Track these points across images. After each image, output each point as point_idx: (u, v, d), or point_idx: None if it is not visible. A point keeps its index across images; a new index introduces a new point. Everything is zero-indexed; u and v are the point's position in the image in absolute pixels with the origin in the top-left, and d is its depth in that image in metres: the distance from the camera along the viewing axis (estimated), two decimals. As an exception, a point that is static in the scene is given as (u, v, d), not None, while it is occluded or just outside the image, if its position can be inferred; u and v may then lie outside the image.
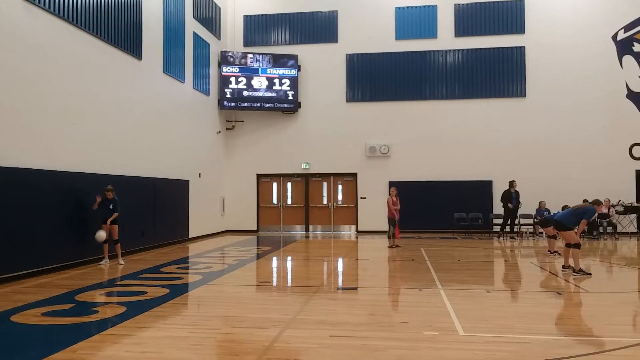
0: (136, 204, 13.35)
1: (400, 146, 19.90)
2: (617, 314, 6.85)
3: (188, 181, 16.84)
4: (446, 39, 20.06)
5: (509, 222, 17.72)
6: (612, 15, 18.99)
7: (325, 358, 4.88)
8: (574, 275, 9.57)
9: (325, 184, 20.83)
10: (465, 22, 19.96)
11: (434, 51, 20.11)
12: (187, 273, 10.38)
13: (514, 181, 17.72)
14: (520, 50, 19.52)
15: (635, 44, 18.95)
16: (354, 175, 20.41)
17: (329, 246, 16.32)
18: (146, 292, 8.09)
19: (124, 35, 13.26)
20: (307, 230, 20.81)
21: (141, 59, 14.13)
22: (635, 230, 18.44)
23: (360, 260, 12.77)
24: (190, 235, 16.95)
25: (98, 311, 6.85)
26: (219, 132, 20.07)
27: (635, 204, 18.20)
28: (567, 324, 6.51)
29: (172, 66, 16.05)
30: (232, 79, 20.16)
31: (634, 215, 18.35)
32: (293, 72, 20.47)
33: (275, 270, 11.60)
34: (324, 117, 20.43)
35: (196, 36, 17.93)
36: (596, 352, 5.09)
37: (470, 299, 7.79)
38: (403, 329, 5.91)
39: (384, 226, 15.97)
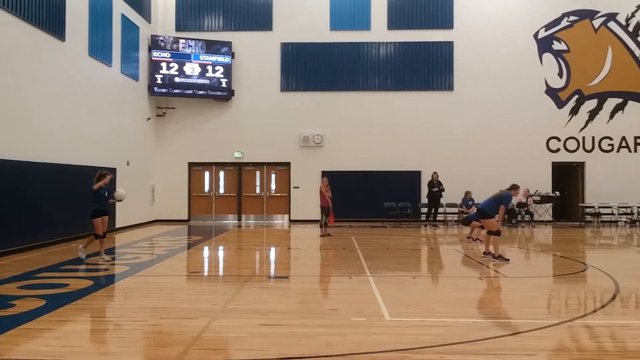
0: (58, 192, 12.74)
1: (334, 136, 20.09)
2: (532, 297, 7.29)
3: (115, 169, 16.21)
4: (379, 31, 20.37)
5: (432, 211, 18.48)
6: (534, 14, 20.01)
7: (254, 347, 4.90)
8: (493, 261, 10.09)
9: (258, 173, 20.71)
10: (398, 15, 20.35)
11: (367, 43, 20.38)
12: (113, 264, 10.04)
13: (435, 173, 18.45)
14: (449, 45, 20.16)
15: (555, 42, 20.12)
16: (288, 164, 20.42)
17: (262, 235, 16.29)
18: (68, 285, 7.77)
19: (46, 14, 12.52)
20: (239, 219, 20.65)
21: (64, 40, 13.42)
22: (550, 218, 19.66)
23: (292, 249, 12.84)
24: (117, 225, 16.38)
25: (15, 305, 6.50)
26: (149, 118, 19.45)
27: (551, 194, 19.39)
28: (487, 307, 6.88)
29: (99, 49, 15.36)
30: (163, 65, 19.55)
31: (550, 204, 19.55)
32: (227, 59, 20.12)
33: (206, 260, 11.45)
34: (258, 105, 20.25)
35: (124, 18, 17.23)
36: (512, 333, 5.40)
37: (397, 285, 8.05)
38: (332, 316, 6.03)
39: (317, 215, 16.12)
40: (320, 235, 14.86)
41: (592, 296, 7.47)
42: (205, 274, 9.61)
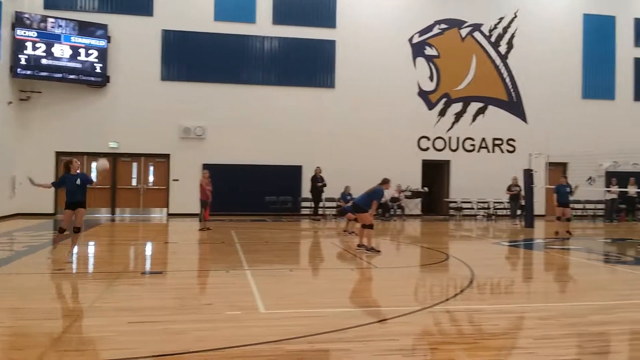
0: None
1: (216, 128, 19.75)
2: (399, 286, 7.79)
3: (-32, 157, 14.62)
4: (264, 25, 20.36)
5: (314, 205, 19.01)
6: (410, 20, 21.20)
7: (121, 345, 4.72)
8: (366, 253, 10.59)
9: (135, 164, 19.76)
10: (283, 11, 20.48)
11: (252, 36, 20.27)
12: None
13: (318, 167, 18.97)
14: (332, 44, 20.70)
15: (427, 47, 21.49)
16: (167, 156, 19.73)
17: (137, 230, 15.63)
18: None
19: None
20: (113, 213, 19.58)
21: None
22: (419, 212, 21.06)
23: (169, 243, 12.48)
24: (-30, 219, 14.79)
25: None
26: (10, 102, 17.72)
27: (420, 190, 20.79)
28: (358, 297, 7.25)
29: (-52, 22, 13.70)
30: (29, 44, 17.90)
31: (419, 199, 20.95)
32: (102, 42, 18.92)
33: (73, 256, 10.70)
34: (136, 93, 19.30)
35: (-19, -10, 15.54)
36: (379, 320, 5.75)
37: (274, 278, 8.18)
38: (206, 311, 5.99)
39: (197, 209, 15.80)
40: (200, 229, 14.59)
41: (452, 284, 8.12)
42: (72, 271, 9.01)
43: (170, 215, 19.62)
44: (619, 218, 20.38)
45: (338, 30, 20.73)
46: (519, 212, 18.93)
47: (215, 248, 11.55)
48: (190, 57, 19.81)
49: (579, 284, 8.50)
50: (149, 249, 11.67)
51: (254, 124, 19.91)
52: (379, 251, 10.72)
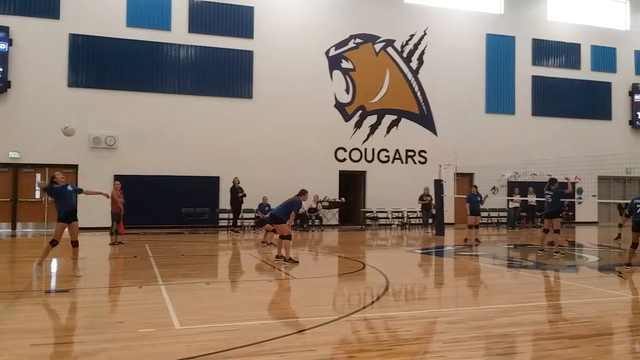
0: None
1: (129, 138, 19.02)
2: (317, 296, 7.86)
3: None
4: (180, 33, 19.94)
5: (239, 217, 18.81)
6: (326, 33, 21.62)
7: (23, 370, 4.43)
8: (284, 264, 10.61)
9: (39, 176, 18.56)
10: (200, 19, 20.17)
11: (167, 44, 19.78)
12: None
13: (236, 177, 18.79)
14: (249, 54, 20.66)
15: (343, 60, 22.01)
16: (75, 167, 18.72)
17: (41, 245, 14.58)
18: None
19: None
20: (14, 228, 18.25)
21: None
22: (337, 222, 21.39)
23: (77, 259, 11.78)
24: None
25: None
26: None
27: (338, 200, 21.15)
28: (276, 309, 7.23)
29: None
30: None
31: (337, 209, 21.29)
32: (2, 46, 17.69)
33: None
34: (40, 100, 18.17)
35: None
36: (297, 331, 5.77)
37: (190, 292, 7.98)
38: (118, 329, 5.73)
39: (108, 222, 15.11)
40: (111, 244, 13.98)
41: (369, 292, 8.32)
42: (-34, 292, 8.30)
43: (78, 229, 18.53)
44: (520, 225, 21.86)
45: (255, 41, 20.73)
46: (430, 220, 19.74)
47: (128, 263, 11.10)
48: (100, 64, 19.00)
49: (486, 288, 9.00)
50: (54, 265, 10.97)
51: (169, 133, 19.39)
52: (297, 262, 10.78)
